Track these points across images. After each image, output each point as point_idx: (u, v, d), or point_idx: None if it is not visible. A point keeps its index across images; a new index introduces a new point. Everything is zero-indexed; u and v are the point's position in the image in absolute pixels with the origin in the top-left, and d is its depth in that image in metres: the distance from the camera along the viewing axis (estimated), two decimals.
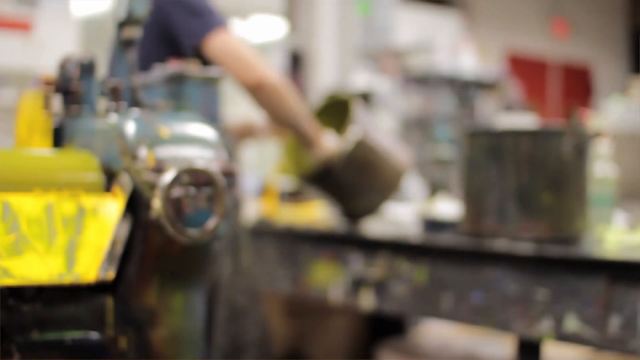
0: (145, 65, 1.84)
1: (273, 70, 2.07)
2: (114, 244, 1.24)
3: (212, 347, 2.09)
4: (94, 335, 1.28)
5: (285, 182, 3.29)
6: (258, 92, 2.02)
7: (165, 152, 1.30)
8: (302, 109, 2.13)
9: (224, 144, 1.41)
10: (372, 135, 2.22)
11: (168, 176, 1.23)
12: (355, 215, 2.33)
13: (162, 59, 1.97)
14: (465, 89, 7.38)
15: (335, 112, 2.37)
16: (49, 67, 1.63)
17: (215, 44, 1.99)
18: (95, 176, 1.31)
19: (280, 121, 2.15)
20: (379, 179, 2.24)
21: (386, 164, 2.25)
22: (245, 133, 2.65)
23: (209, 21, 2.02)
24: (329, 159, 2.16)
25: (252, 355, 2.19)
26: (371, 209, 2.30)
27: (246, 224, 2.32)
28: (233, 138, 2.31)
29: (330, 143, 2.18)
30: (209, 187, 1.28)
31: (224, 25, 2.03)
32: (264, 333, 2.24)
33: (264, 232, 2.51)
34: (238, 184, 2.27)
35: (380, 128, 2.45)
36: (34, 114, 1.41)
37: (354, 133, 2.16)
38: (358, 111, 2.22)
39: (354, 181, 2.19)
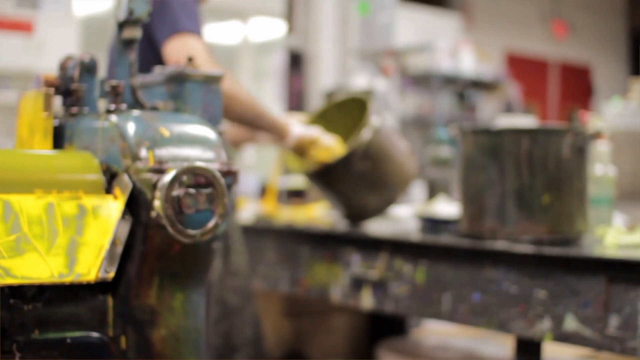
0: (140, 66, 1.84)
1: (229, 77, 2.07)
2: (114, 244, 1.24)
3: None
4: (94, 334, 1.29)
5: (286, 182, 3.30)
6: None
7: (166, 152, 1.31)
8: (261, 107, 2.15)
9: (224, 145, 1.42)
10: (388, 129, 2.26)
11: (168, 176, 1.24)
12: (359, 217, 2.32)
13: (152, 60, 1.98)
14: (464, 90, 7.38)
15: (348, 110, 2.39)
16: (49, 68, 1.64)
17: (172, 48, 1.98)
18: (96, 176, 1.32)
19: (245, 122, 2.15)
20: (391, 173, 2.24)
21: (399, 160, 2.26)
22: (246, 138, 2.66)
23: (174, 23, 2.00)
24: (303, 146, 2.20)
25: (244, 354, 2.19)
26: (378, 208, 2.30)
27: (238, 224, 2.32)
28: (229, 140, 2.32)
29: (299, 128, 2.20)
30: (209, 187, 1.28)
31: (187, 30, 2.01)
32: (256, 332, 2.24)
33: (263, 232, 2.51)
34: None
35: (393, 129, 2.46)
36: (35, 115, 1.42)
37: (373, 123, 2.18)
38: (373, 108, 2.25)
39: (368, 172, 2.19)
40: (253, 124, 2.16)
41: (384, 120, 2.30)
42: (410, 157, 2.31)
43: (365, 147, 2.16)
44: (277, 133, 2.18)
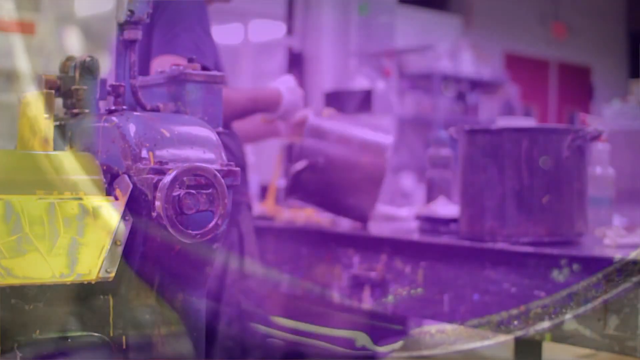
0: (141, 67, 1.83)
1: None
2: (115, 244, 1.25)
3: (216, 347, 2.09)
4: (95, 334, 1.29)
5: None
6: None
7: (166, 153, 1.31)
8: (248, 90, 2.19)
9: (232, 146, 1.42)
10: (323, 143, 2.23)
11: (169, 177, 1.24)
12: (355, 221, 2.32)
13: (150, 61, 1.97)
14: (464, 92, 7.39)
15: None
16: (51, 69, 1.64)
17: (155, 65, 1.95)
18: (97, 177, 1.32)
19: (243, 113, 2.15)
20: (339, 182, 2.21)
21: (346, 166, 2.21)
22: (266, 132, 2.64)
23: (169, 44, 1.99)
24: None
25: (254, 355, 2.20)
26: (361, 213, 2.27)
27: (253, 226, 2.31)
28: (240, 140, 2.31)
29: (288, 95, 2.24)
30: (209, 187, 1.28)
31: (179, 53, 1.97)
32: (266, 334, 2.25)
33: (264, 232, 2.51)
34: (247, 185, 2.27)
35: (348, 125, 2.40)
36: (36, 116, 1.42)
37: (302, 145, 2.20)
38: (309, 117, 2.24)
39: (318, 187, 2.19)
40: (250, 109, 2.18)
41: (323, 124, 2.26)
42: (375, 147, 2.24)
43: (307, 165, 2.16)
44: (273, 105, 2.21)
